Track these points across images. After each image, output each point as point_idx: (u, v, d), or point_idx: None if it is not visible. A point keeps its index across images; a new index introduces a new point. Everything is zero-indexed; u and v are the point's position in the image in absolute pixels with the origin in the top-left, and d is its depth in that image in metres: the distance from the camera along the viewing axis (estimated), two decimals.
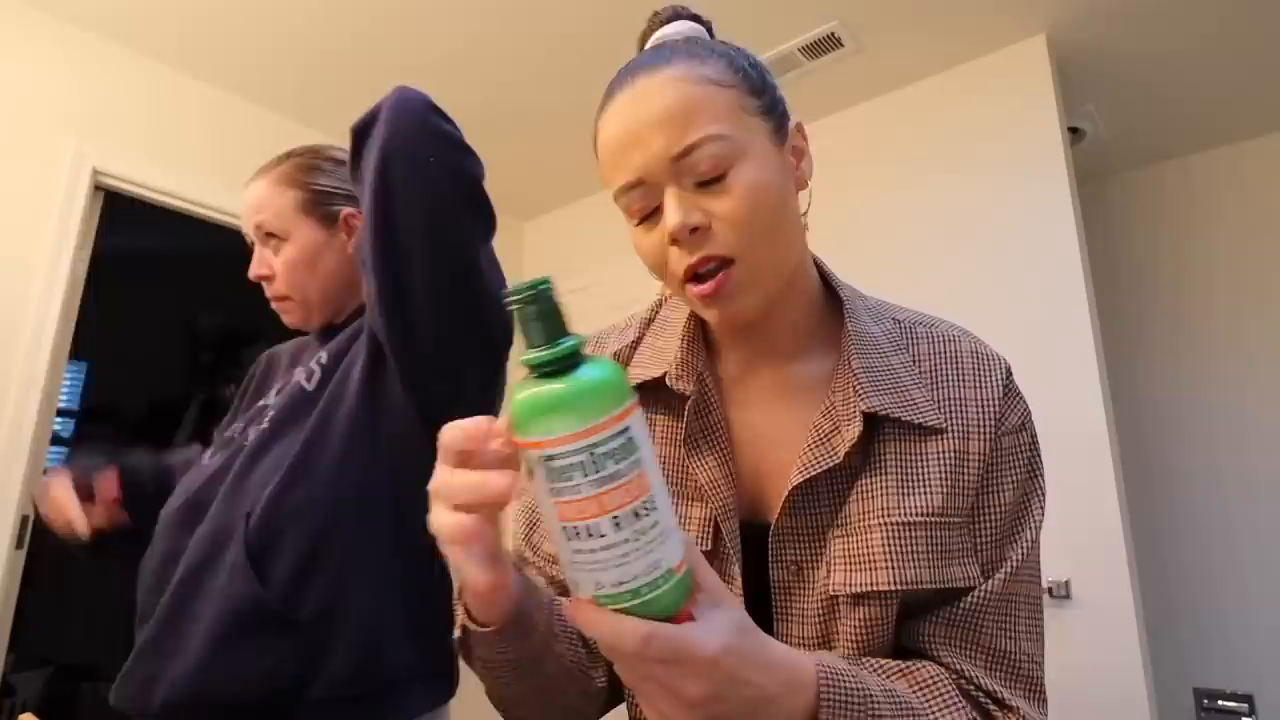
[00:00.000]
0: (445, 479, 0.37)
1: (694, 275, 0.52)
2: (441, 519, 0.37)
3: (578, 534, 0.34)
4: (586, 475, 0.34)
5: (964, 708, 0.48)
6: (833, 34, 1.97)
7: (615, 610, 0.35)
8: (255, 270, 0.94)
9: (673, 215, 0.50)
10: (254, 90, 2.28)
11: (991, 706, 0.50)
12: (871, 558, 0.50)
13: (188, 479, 0.87)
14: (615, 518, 0.34)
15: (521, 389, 0.35)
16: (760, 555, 0.53)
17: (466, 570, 0.39)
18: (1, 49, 1.84)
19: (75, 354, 2.04)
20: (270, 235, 0.93)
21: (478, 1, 1.88)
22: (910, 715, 0.45)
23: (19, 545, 1.76)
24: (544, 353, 0.35)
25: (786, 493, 0.52)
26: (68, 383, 3.15)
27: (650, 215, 0.53)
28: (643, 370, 0.61)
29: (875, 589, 0.49)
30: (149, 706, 0.73)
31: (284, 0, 1.89)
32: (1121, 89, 2.17)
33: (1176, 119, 2.32)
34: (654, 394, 0.60)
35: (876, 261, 2.12)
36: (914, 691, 0.48)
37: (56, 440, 3.26)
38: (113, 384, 3.48)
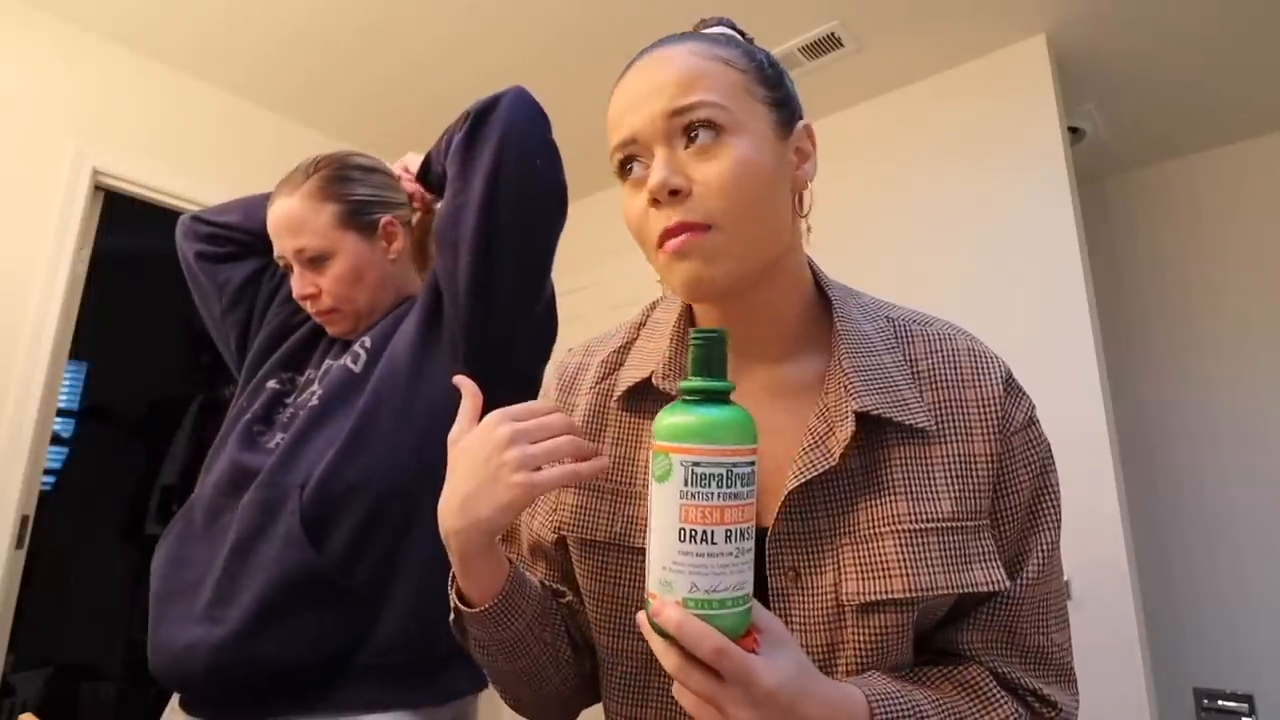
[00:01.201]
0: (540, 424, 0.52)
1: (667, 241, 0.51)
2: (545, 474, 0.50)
3: (694, 536, 0.40)
4: (720, 487, 0.40)
5: (1007, 700, 0.51)
6: (833, 34, 1.97)
7: (698, 615, 0.40)
8: (300, 291, 0.92)
9: (655, 173, 0.50)
10: (254, 90, 2.28)
11: (1035, 703, 0.53)
12: (885, 566, 0.50)
13: (233, 445, 0.88)
14: (729, 531, 0.40)
15: (677, 408, 0.43)
16: (757, 561, 0.53)
17: (537, 487, 0.50)
18: (2, 49, 1.84)
19: (75, 354, 2.04)
20: (313, 259, 0.91)
21: (478, 4, 1.89)
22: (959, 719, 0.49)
23: (19, 545, 1.76)
24: (709, 383, 0.42)
25: (783, 497, 0.51)
26: (68, 383, 3.15)
27: (640, 178, 0.53)
28: (632, 372, 0.60)
29: (891, 596, 0.49)
30: (190, 673, 0.74)
31: (284, 0, 1.89)
32: (1122, 89, 2.16)
33: (1176, 119, 2.32)
34: (642, 396, 0.59)
35: (876, 261, 2.12)
36: (960, 694, 0.51)
37: (56, 440, 3.27)
38: (113, 384, 3.48)
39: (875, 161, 2.21)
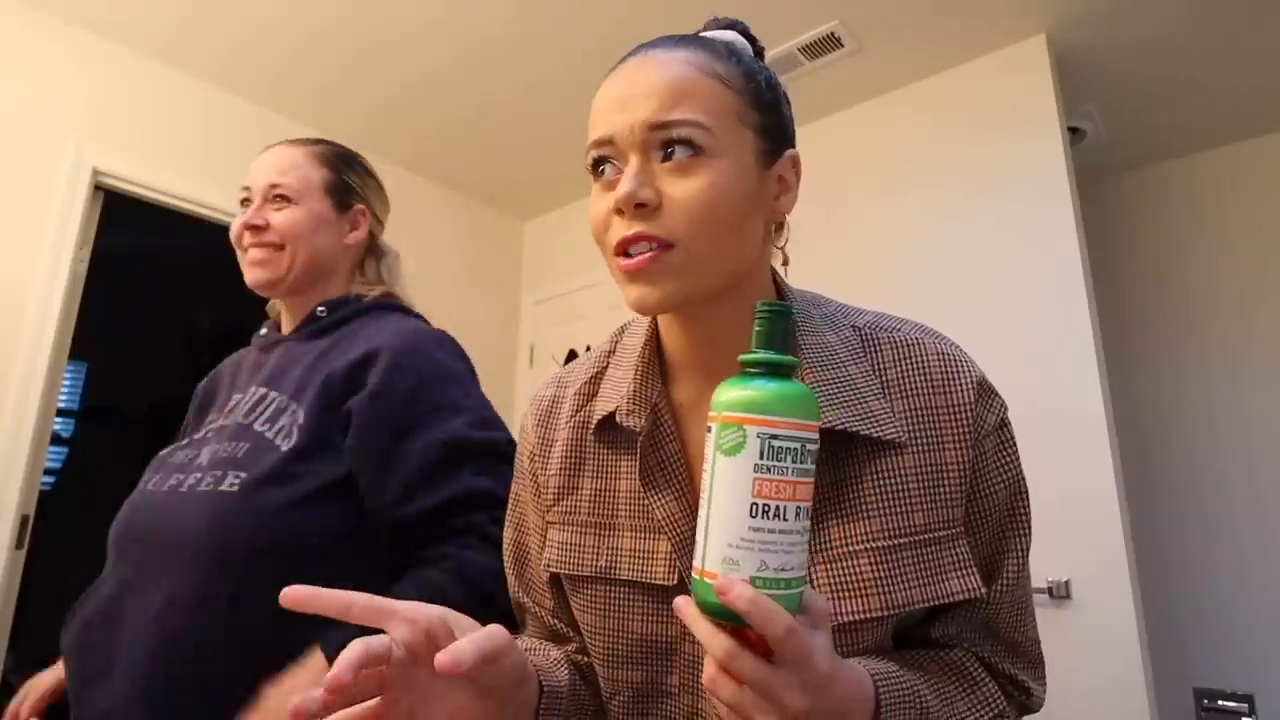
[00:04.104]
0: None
1: (625, 251, 0.50)
2: None
3: (765, 512, 0.38)
4: (796, 461, 0.39)
5: (989, 681, 0.54)
6: (833, 34, 1.97)
7: (767, 594, 0.38)
8: (250, 219, 0.89)
9: (625, 184, 0.49)
10: (254, 90, 2.28)
11: (1008, 685, 0.56)
12: (861, 584, 0.49)
13: (131, 504, 0.84)
14: (799, 508, 0.39)
15: (741, 381, 0.40)
16: None
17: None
18: (2, 49, 1.85)
19: (75, 354, 2.04)
20: (281, 197, 0.91)
21: (479, 5, 1.89)
22: (948, 699, 0.51)
23: (19, 545, 1.76)
24: (776, 356, 0.40)
25: None
26: (68, 383, 3.15)
27: (610, 180, 0.52)
28: (603, 404, 0.58)
29: (868, 616, 0.48)
30: None
31: (284, 0, 1.89)
32: (1121, 89, 2.16)
33: (1177, 119, 2.32)
34: (615, 428, 0.58)
35: (876, 262, 2.12)
36: (946, 675, 0.53)
37: (56, 440, 3.27)
38: (113, 384, 3.48)
39: (874, 162, 2.21)
